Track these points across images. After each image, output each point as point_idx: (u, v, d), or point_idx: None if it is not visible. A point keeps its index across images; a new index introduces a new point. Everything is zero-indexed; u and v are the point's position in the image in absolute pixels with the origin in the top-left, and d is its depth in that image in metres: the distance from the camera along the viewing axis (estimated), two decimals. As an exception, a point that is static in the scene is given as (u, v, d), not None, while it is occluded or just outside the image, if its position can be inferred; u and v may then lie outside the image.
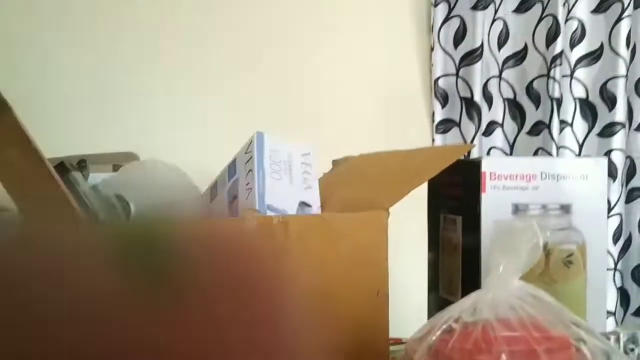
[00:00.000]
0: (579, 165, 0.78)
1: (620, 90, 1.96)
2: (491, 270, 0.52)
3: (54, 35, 1.85)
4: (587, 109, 2.01)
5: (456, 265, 0.82)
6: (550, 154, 1.97)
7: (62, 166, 0.64)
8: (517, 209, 0.78)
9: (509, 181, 0.78)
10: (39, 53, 1.84)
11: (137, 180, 0.72)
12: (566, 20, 1.95)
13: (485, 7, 1.95)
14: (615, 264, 1.98)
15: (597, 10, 1.96)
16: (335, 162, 0.97)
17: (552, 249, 0.78)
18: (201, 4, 1.91)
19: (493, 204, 0.78)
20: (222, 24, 1.92)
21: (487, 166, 0.78)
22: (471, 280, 0.78)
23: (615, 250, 1.98)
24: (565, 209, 0.78)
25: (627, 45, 1.94)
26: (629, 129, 2.02)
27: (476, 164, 0.78)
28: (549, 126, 1.95)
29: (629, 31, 1.94)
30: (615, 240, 1.99)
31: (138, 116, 1.88)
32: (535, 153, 1.99)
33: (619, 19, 1.93)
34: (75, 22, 1.86)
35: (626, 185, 2.02)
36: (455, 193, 0.83)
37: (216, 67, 1.92)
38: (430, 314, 0.89)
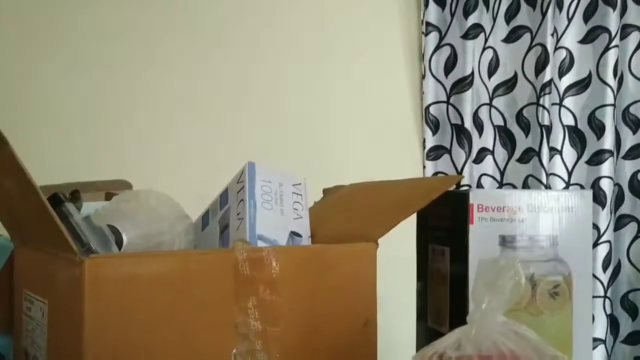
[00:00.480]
0: (564, 198, 0.80)
1: (608, 118, 1.99)
2: (475, 306, 0.54)
3: (50, 65, 1.87)
4: (576, 136, 2.04)
5: (444, 296, 0.83)
6: (540, 181, 1.99)
7: (55, 197, 0.65)
8: (504, 241, 0.79)
9: (496, 213, 0.79)
10: (35, 81, 1.86)
11: (130, 210, 0.73)
12: (555, 50, 1.99)
13: (475, 37, 1.98)
14: (605, 292, 2.00)
15: (585, 40, 2.00)
16: (326, 191, 0.98)
17: (538, 280, 0.79)
18: (194, 38, 1.94)
19: (480, 236, 0.79)
20: (215, 58, 1.94)
21: (475, 198, 0.79)
22: (459, 311, 0.79)
23: (604, 277, 2.00)
24: (552, 240, 0.80)
25: (615, 74, 1.98)
26: (617, 156, 2.05)
27: (464, 196, 0.79)
28: (538, 153, 1.98)
29: (616, 61, 1.97)
30: (605, 267, 2.00)
31: (132, 144, 1.90)
32: (526, 180, 2.02)
33: (606, 49, 1.96)
34: (70, 52, 1.88)
35: (614, 213, 2.05)
36: (444, 224, 0.84)
37: (210, 98, 1.94)
38: (419, 344, 0.90)
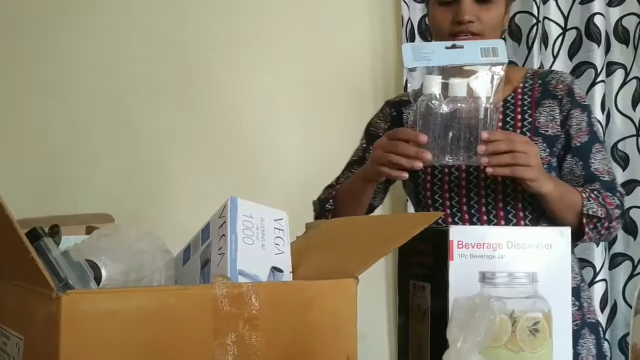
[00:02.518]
0: (543, 235, 0.81)
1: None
2: (451, 345, 0.54)
3: (31, 95, 1.89)
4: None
5: (425, 331, 0.83)
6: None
7: (34, 232, 0.65)
8: (484, 277, 0.80)
9: (476, 249, 0.80)
10: (15, 113, 1.87)
11: (110, 245, 0.73)
12: (542, 85, 2.01)
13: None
14: (604, 333, 1.97)
15: (572, 75, 2.03)
16: (308, 225, 0.98)
17: (518, 317, 0.79)
18: (178, 70, 1.96)
19: (461, 272, 0.79)
20: (201, 92, 1.96)
21: (455, 235, 0.80)
22: (440, 347, 0.79)
23: (602, 318, 1.97)
24: (531, 277, 0.80)
25: (602, 109, 2.00)
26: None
27: (444, 233, 0.80)
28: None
29: (603, 96, 2.00)
30: (602, 308, 1.98)
31: (115, 177, 1.90)
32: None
33: (593, 84, 1.99)
34: (51, 83, 1.90)
35: (609, 251, 2.04)
36: (424, 260, 0.84)
37: (194, 133, 1.95)
38: (400, 380, 0.89)
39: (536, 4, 1.95)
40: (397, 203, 1.76)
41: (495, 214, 1.21)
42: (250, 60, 1.99)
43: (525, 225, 1.19)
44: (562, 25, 2.03)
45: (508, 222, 1.20)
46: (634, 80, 2.04)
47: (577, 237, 1.18)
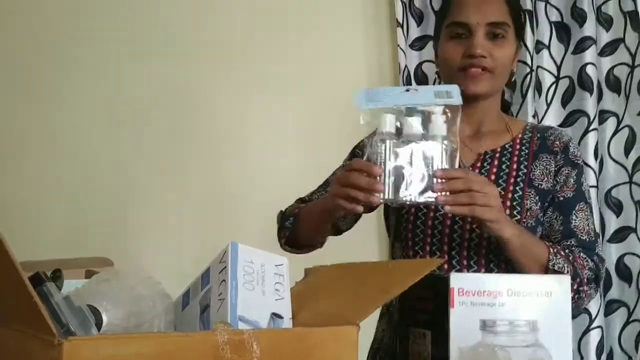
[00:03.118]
0: (543, 283, 0.81)
1: (592, 200, 2.02)
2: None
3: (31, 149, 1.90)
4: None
5: (426, 380, 0.82)
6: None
7: (36, 277, 0.65)
8: (484, 325, 0.80)
9: (476, 297, 0.80)
10: (14, 163, 1.88)
11: (110, 290, 0.73)
12: (536, 132, 2.04)
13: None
14: (600, 381, 1.95)
15: (564, 123, 2.06)
16: (307, 271, 0.98)
17: (519, 366, 0.78)
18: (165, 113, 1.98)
19: (461, 320, 0.79)
20: (193, 149, 1.98)
21: (456, 282, 0.80)
22: (441, 396, 0.79)
23: (599, 367, 1.96)
24: (531, 325, 0.80)
25: (595, 157, 2.03)
26: (603, 240, 2.06)
27: (445, 280, 0.80)
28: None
29: (596, 143, 2.03)
30: (599, 355, 1.97)
31: (114, 221, 1.90)
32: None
33: (586, 132, 2.02)
34: (49, 133, 1.92)
35: (604, 298, 2.04)
36: (425, 307, 0.84)
37: (191, 178, 1.96)
38: None
39: (530, 53, 2.00)
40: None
41: (477, 261, 1.15)
42: (249, 103, 2.01)
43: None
44: (555, 74, 2.07)
45: (489, 271, 1.13)
46: (626, 128, 2.07)
47: None
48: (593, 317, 1.97)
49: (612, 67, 2.08)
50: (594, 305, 1.98)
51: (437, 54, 1.29)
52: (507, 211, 1.16)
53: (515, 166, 1.23)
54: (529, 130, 1.29)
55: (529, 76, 1.99)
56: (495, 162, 1.24)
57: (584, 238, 1.19)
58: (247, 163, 2.01)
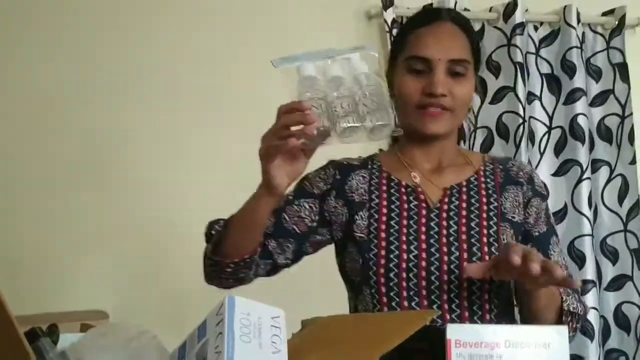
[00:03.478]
0: (541, 334, 0.81)
1: (587, 248, 2.02)
2: None
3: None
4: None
5: None
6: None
7: (32, 332, 0.65)
8: (483, 378, 0.79)
9: (474, 349, 0.79)
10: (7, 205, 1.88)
11: (106, 345, 0.72)
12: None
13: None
14: None
15: (557, 173, 2.08)
16: (304, 323, 0.98)
17: (519, 419, 0.77)
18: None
19: (459, 372, 0.78)
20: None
21: (452, 333, 0.79)
22: None
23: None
24: (530, 377, 0.79)
25: (590, 205, 2.04)
26: (600, 288, 2.06)
27: (442, 331, 0.80)
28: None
29: (590, 192, 2.04)
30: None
31: (106, 271, 1.89)
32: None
33: (579, 181, 2.04)
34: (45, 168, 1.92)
35: (603, 346, 2.02)
36: (422, 360, 0.84)
37: (187, 223, 1.95)
38: None
39: (522, 104, 2.04)
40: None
41: (459, 304, 1.10)
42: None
43: (491, 321, 1.11)
44: (547, 124, 2.10)
45: (472, 318, 1.10)
46: (619, 177, 2.10)
47: None
48: (593, 367, 1.95)
49: (603, 117, 2.13)
50: (593, 355, 1.96)
51: (390, 82, 1.22)
52: (485, 248, 1.13)
53: (485, 199, 1.19)
54: (489, 163, 1.25)
55: (521, 126, 2.02)
56: (464, 197, 1.19)
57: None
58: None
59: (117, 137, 1.97)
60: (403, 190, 1.20)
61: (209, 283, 1.16)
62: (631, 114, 2.10)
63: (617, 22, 2.13)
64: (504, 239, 1.15)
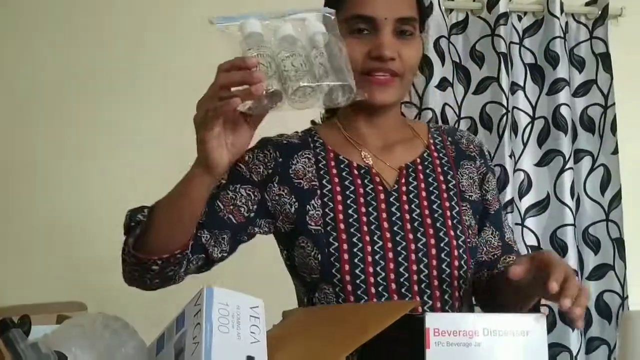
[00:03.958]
0: (519, 322, 0.81)
1: (570, 238, 2.03)
2: None
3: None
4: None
5: None
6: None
7: (3, 323, 0.63)
8: (461, 366, 0.79)
9: (452, 337, 0.79)
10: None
11: (80, 336, 0.72)
12: (514, 172, 2.06)
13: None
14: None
15: (540, 163, 2.09)
16: (285, 314, 0.97)
17: (497, 407, 0.77)
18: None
19: (438, 360, 0.78)
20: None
21: (431, 322, 0.79)
22: None
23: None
24: (508, 365, 0.79)
25: (572, 195, 2.05)
26: (582, 277, 2.07)
27: (420, 320, 0.80)
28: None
29: (572, 182, 2.05)
30: (581, 396, 1.96)
31: (89, 265, 1.88)
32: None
33: (562, 171, 2.05)
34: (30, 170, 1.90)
35: (584, 335, 2.04)
36: (401, 350, 0.83)
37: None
38: None
39: (505, 94, 2.04)
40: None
41: (431, 303, 1.03)
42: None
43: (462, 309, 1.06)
44: (531, 114, 2.11)
45: (443, 308, 1.03)
46: (601, 167, 2.11)
47: None
48: (574, 355, 1.97)
49: (586, 108, 2.13)
50: (575, 343, 1.98)
51: None
52: (451, 231, 1.05)
53: (442, 177, 1.11)
54: (436, 134, 1.16)
55: (505, 117, 2.03)
56: (420, 176, 1.10)
57: (516, 249, 1.16)
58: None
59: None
60: (355, 172, 1.08)
61: (129, 284, 1.02)
62: (613, 104, 2.11)
63: (600, 12, 2.14)
64: (466, 220, 1.08)
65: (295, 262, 1.09)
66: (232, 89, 0.82)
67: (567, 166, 2.05)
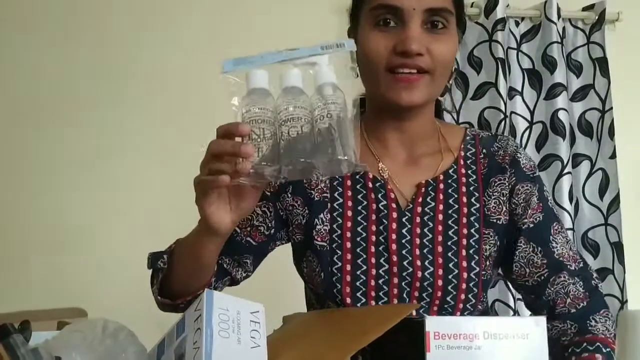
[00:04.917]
0: (519, 325, 0.81)
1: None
2: None
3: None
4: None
5: None
6: (507, 305, 2.00)
7: (3, 328, 0.64)
8: (461, 369, 0.79)
9: (452, 340, 0.79)
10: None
11: (81, 342, 0.72)
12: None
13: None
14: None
15: (539, 168, 2.09)
16: (285, 319, 0.97)
17: (497, 410, 0.77)
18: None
19: (438, 364, 0.78)
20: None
21: (431, 326, 0.79)
22: None
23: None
24: (509, 368, 0.79)
25: (570, 199, 2.05)
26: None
27: (420, 324, 0.80)
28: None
29: (571, 186, 2.06)
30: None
31: (89, 270, 1.88)
32: (492, 305, 2.02)
33: (560, 175, 2.05)
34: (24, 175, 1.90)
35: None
36: (401, 352, 0.83)
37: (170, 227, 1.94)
38: None
39: (503, 99, 2.04)
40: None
41: (429, 302, 0.96)
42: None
43: None
44: (529, 119, 2.11)
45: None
46: (600, 171, 2.11)
47: None
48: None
49: (584, 112, 2.14)
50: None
51: (357, 42, 0.95)
52: (464, 262, 0.96)
53: (465, 199, 0.99)
54: (470, 144, 1.03)
55: (503, 122, 2.03)
56: (440, 196, 0.99)
57: (573, 268, 1.00)
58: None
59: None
60: (370, 185, 1.00)
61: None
62: (611, 108, 2.12)
63: (597, 17, 2.15)
64: (485, 250, 0.98)
65: (304, 274, 1.05)
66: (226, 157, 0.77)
67: (565, 170, 2.05)
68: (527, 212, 1.00)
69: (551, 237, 1.00)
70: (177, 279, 0.95)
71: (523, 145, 2.10)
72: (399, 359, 0.84)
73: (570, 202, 2.05)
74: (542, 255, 0.99)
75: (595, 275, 1.04)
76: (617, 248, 2.08)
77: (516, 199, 1.00)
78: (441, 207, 0.99)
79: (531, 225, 1.00)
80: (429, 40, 0.93)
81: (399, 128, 1.00)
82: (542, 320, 0.82)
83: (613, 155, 2.10)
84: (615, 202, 2.09)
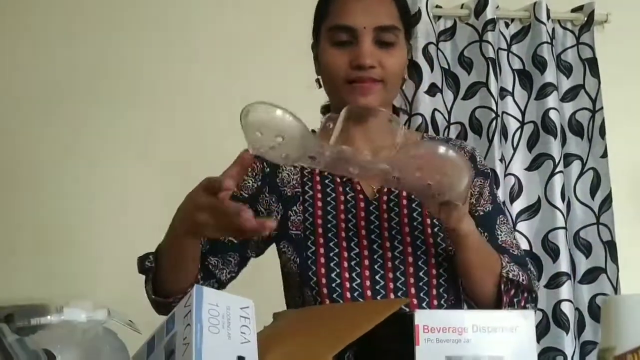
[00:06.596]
0: (507, 318, 0.81)
1: (561, 241, 2.04)
2: None
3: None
4: (533, 261, 2.07)
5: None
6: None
7: (-10, 320, 0.63)
8: (450, 362, 0.79)
9: (441, 334, 0.79)
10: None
11: (65, 333, 0.71)
12: (504, 176, 2.07)
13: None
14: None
15: (531, 167, 2.10)
16: (275, 315, 0.97)
17: (487, 403, 0.78)
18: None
19: (427, 357, 0.79)
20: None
21: (421, 319, 0.80)
22: None
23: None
24: (498, 361, 0.80)
25: (562, 198, 2.06)
26: (574, 281, 2.08)
27: (409, 317, 0.80)
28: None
29: (562, 186, 2.06)
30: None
31: (76, 265, 1.88)
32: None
33: (552, 175, 2.06)
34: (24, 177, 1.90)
35: (578, 339, 2.04)
36: (391, 346, 0.84)
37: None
38: None
39: (494, 99, 2.05)
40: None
41: (405, 292, 1.03)
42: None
43: (440, 308, 1.04)
44: (520, 119, 2.12)
45: (420, 305, 1.03)
46: (591, 171, 2.12)
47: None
48: (569, 358, 1.97)
49: (574, 112, 2.15)
50: (569, 347, 1.98)
51: (316, 57, 1.12)
52: (430, 239, 1.06)
53: None
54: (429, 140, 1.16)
55: (494, 121, 2.04)
56: (404, 193, 1.10)
57: (515, 253, 1.10)
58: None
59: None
60: (338, 180, 1.11)
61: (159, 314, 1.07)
62: (601, 108, 2.13)
63: (586, 19, 2.16)
64: None
65: (285, 268, 1.11)
66: None
67: (557, 170, 2.06)
68: (480, 202, 1.13)
69: (497, 226, 1.12)
70: (166, 279, 1.01)
71: (515, 145, 2.11)
72: (389, 352, 0.85)
73: (562, 202, 2.06)
74: (488, 240, 1.09)
75: (530, 264, 1.13)
76: (610, 247, 2.08)
77: (472, 190, 1.12)
78: (404, 194, 1.10)
79: (482, 213, 1.12)
80: (380, 55, 1.05)
81: (362, 124, 1.09)
82: (530, 313, 0.83)
83: (604, 155, 2.11)
84: (606, 201, 2.10)
